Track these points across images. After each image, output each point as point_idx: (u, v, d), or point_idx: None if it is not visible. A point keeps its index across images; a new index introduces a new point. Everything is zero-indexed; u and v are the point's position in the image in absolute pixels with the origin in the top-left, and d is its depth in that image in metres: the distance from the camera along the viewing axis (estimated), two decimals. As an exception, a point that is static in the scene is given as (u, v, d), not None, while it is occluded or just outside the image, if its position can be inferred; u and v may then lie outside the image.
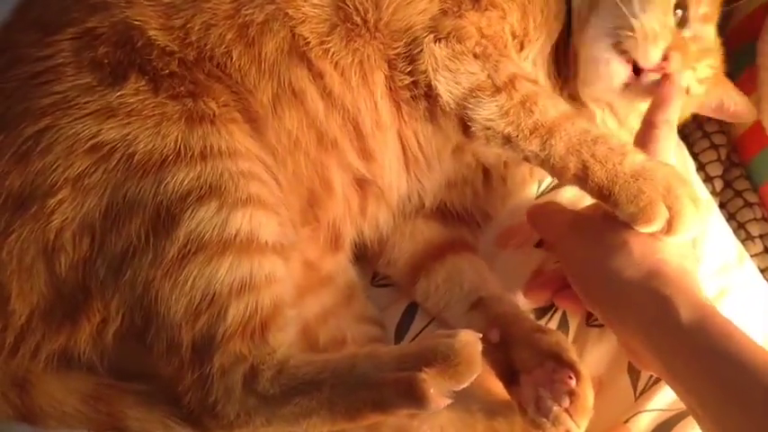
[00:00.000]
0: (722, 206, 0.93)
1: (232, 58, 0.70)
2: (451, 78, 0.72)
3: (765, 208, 0.94)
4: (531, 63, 0.80)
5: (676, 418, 0.73)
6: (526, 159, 0.72)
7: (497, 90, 0.71)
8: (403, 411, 0.64)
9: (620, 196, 0.67)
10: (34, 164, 0.66)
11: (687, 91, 0.78)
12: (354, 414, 0.64)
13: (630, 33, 0.72)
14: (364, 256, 0.84)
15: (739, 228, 0.91)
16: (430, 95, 0.73)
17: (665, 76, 0.73)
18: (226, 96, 0.70)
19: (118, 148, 0.66)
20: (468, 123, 0.72)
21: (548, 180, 0.87)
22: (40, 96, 0.68)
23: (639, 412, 0.74)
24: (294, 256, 0.74)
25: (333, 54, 0.72)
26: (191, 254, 0.65)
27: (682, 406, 0.70)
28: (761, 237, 0.91)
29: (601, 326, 0.78)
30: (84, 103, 0.67)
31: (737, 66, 0.95)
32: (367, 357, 0.66)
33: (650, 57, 0.73)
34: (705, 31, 0.77)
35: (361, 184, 0.77)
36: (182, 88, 0.69)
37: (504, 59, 0.73)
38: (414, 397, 0.61)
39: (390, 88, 0.74)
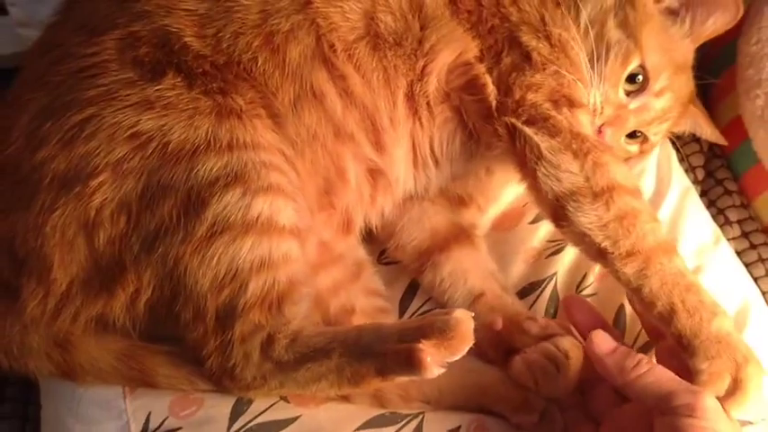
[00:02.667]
0: (704, 194, 0.99)
1: (257, 63, 0.76)
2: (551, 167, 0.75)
3: (744, 195, 1.00)
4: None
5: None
6: (615, 277, 0.72)
7: (596, 196, 0.72)
8: (402, 378, 0.70)
9: (698, 351, 0.68)
10: (78, 148, 0.72)
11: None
12: (359, 380, 0.70)
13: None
14: (372, 236, 0.90)
15: (719, 213, 0.98)
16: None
17: None
18: (252, 94, 0.76)
19: (154, 137, 0.71)
20: (566, 218, 0.74)
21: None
22: (85, 88, 0.73)
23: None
24: (310, 238, 0.80)
25: (357, 59, 0.77)
26: (217, 233, 0.70)
27: None
28: (738, 222, 0.98)
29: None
30: (126, 95, 0.72)
31: (721, 64, 1.01)
32: (372, 330, 0.72)
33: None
34: (658, 103, 0.84)
35: (374, 174, 0.83)
36: (213, 85, 0.74)
37: (604, 159, 0.74)
38: (412, 365, 0.67)
39: (411, 95, 0.79)
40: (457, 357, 0.68)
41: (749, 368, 0.68)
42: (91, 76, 0.74)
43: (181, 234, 0.71)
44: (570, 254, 0.87)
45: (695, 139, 1.01)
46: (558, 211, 0.74)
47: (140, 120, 0.72)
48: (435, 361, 0.67)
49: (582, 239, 0.73)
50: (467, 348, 0.68)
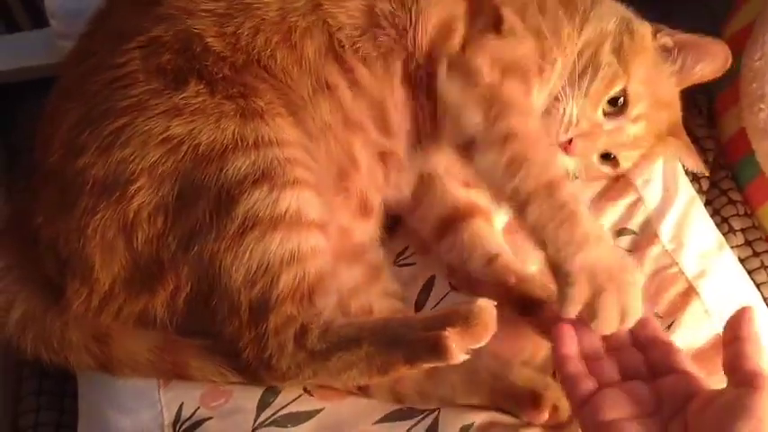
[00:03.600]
0: (709, 203, 1.02)
1: (276, 60, 0.79)
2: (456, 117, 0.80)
3: (748, 205, 1.03)
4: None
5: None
6: None
7: (490, 145, 0.77)
8: (429, 364, 0.73)
9: (561, 280, 0.71)
10: (115, 155, 0.75)
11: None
12: (388, 367, 0.74)
13: (555, 112, 0.85)
14: (390, 238, 0.94)
15: (723, 222, 1.01)
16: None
17: None
18: (270, 95, 0.79)
19: (185, 140, 0.75)
20: (465, 160, 0.80)
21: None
22: (118, 99, 0.77)
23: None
24: (330, 224, 0.83)
25: (362, 52, 0.81)
26: (248, 229, 0.73)
27: None
28: (742, 230, 1.01)
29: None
30: (155, 104, 0.76)
31: (725, 78, 1.03)
32: (399, 320, 0.77)
33: (558, 136, 0.86)
34: (631, 129, 0.88)
35: (384, 156, 0.86)
36: (233, 90, 0.77)
37: (509, 109, 0.78)
38: (439, 352, 0.70)
39: (408, 77, 0.83)
40: (481, 344, 0.71)
41: (603, 297, 0.69)
42: (122, 87, 0.77)
43: (214, 232, 0.74)
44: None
45: (701, 150, 1.04)
46: (461, 154, 0.80)
47: (170, 125, 0.75)
48: (460, 347, 0.70)
49: (477, 177, 0.81)
50: (490, 335, 0.71)
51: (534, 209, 0.73)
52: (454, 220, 0.91)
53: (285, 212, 0.74)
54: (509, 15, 0.83)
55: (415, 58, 0.83)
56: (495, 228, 0.93)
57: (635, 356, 0.73)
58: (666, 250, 0.91)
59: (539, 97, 0.86)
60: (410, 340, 0.73)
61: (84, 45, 0.87)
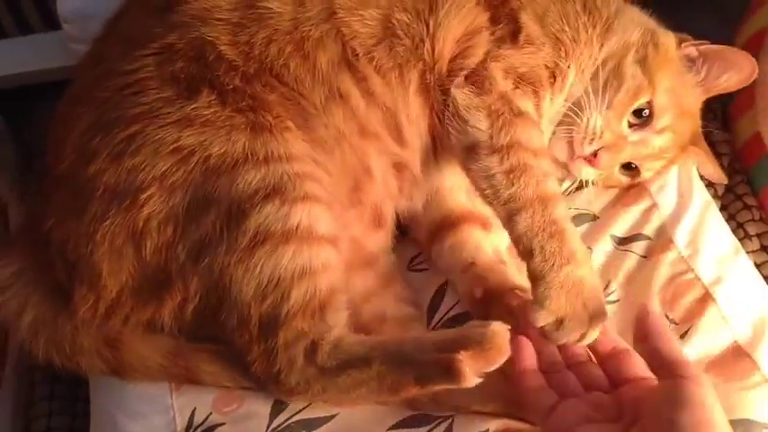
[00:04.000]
0: (724, 208, 1.02)
1: (289, 69, 0.79)
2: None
3: (763, 210, 1.02)
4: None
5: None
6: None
7: (494, 151, 0.77)
8: (440, 387, 0.73)
9: (539, 291, 0.72)
10: (126, 163, 0.75)
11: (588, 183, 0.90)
12: (398, 387, 0.74)
13: (579, 123, 0.84)
14: (404, 243, 0.93)
15: (738, 227, 1.00)
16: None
17: None
18: (278, 108, 0.79)
19: (196, 151, 0.75)
20: (466, 162, 0.80)
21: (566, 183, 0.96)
22: (130, 106, 0.77)
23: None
24: (342, 236, 0.83)
25: (377, 61, 0.81)
26: (259, 243, 0.73)
27: None
28: (758, 235, 1.01)
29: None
30: (167, 113, 0.76)
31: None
32: (412, 341, 0.76)
33: (583, 149, 0.85)
34: (657, 141, 0.88)
35: (399, 167, 0.86)
36: (243, 103, 0.77)
37: (517, 120, 0.79)
38: (451, 375, 0.70)
39: (425, 88, 0.83)
40: (494, 368, 0.71)
41: (573, 317, 0.71)
42: (134, 94, 0.77)
43: (225, 245, 0.74)
44: (594, 263, 0.90)
45: (716, 154, 1.03)
46: (462, 156, 0.80)
47: (181, 135, 0.75)
48: (473, 371, 0.70)
49: (474, 185, 0.80)
50: (503, 360, 0.71)
51: (526, 218, 0.74)
52: (443, 227, 0.91)
53: (296, 227, 0.75)
54: (527, 21, 0.83)
55: (432, 70, 0.83)
56: (488, 235, 0.92)
57: (594, 370, 0.74)
58: (682, 256, 0.91)
59: (551, 107, 0.86)
60: (422, 362, 0.73)
61: (98, 50, 0.87)
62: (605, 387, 0.72)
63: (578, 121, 0.85)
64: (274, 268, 0.74)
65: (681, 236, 0.92)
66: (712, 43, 0.90)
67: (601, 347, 0.74)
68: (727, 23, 1.16)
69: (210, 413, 0.80)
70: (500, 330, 0.72)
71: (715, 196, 1.01)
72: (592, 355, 0.75)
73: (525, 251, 0.74)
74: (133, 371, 0.81)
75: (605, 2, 0.88)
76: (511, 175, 0.76)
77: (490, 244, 0.91)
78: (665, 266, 0.90)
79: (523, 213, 0.74)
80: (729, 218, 1.01)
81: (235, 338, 0.76)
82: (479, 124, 0.79)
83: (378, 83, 0.82)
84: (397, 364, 0.74)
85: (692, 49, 0.89)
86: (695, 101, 0.91)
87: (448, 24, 0.81)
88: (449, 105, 0.81)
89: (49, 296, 0.83)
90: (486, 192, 0.78)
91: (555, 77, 0.85)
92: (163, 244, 0.76)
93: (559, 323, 0.71)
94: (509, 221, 0.75)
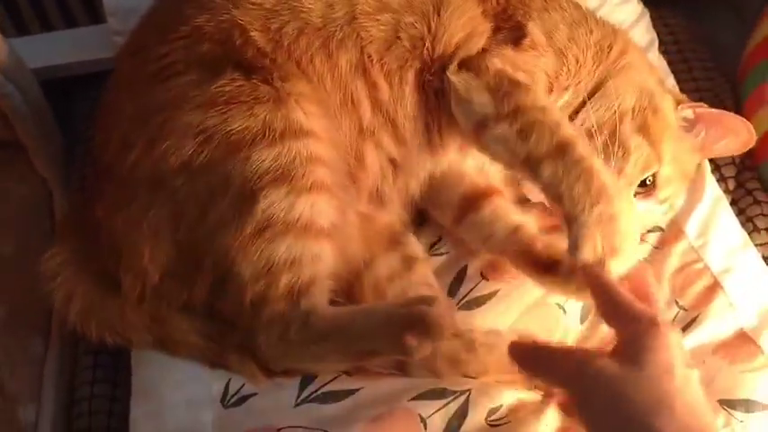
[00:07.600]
0: (734, 203, 1.04)
1: (315, 66, 0.81)
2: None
3: (773, 205, 1.05)
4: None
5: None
6: None
7: (501, 119, 0.79)
8: (393, 357, 0.79)
9: (574, 231, 0.73)
10: (158, 149, 0.78)
11: None
12: (356, 357, 0.79)
13: None
14: (424, 228, 0.97)
15: (748, 221, 1.03)
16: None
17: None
18: (308, 88, 0.80)
19: (219, 130, 0.76)
20: (479, 140, 0.82)
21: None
22: (161, 92, 0.79)
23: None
24: (349, 211, 0.86)
25: (386, 67, 0.83)
26: (261, 230, 0.76)
27: None
28: (766, 230, 1.02)
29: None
30: (193, 96, 0.77)
31: (751, 82, 1.08)
32: (364, 315, 0.79)
33: None
34: (659, 209, 0.89)
35: (394, 162, 0.89)
36: (273, 74, 0.78)
37: (516, 88, 0.80)
38: (401, 349, 0.74)
39: (419, 83, 0.84)
40: (438, 342, 0.75)
41: (610, 261, 0.72)
42: (165, 79, 0.79)
43: (233, 227, 0.77)
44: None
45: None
46: (475, 136, 0.82)
47: (206, 117, 0.76)
48: (421, 345, 0.73)
49: (493, 157, 0.83)
50: (447, 335, 0.75)
51: (548, 167, 0.75)
52: (476, 198, 0.93)
53: (298, 219, 0.77)
54: (534, 30, 0.85)
55: (430, 68, 0.85)
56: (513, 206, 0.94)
57: None
58: (693, 246, 0.94)
59: None
60: (373, 336, 0.77)
61: (136, 38, 0.90)
62: None
63: None
64: (270, 256, 0.77)
65: (692, 227, 0.96)
66: (727, 45, 0.93)
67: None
68: (743, 24, 1.18)
69: (244, 384, 0.84)
70: (441, 312, 0.74)
71: (726, 191, 1.04)
72: None
73: (555, 198, 0.75)
74: (177, 345, 0.85)
75: (615, 51, 0.87)
76: (523, 134, 0.77)
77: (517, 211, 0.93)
78: (675, 256, 0.93)
79: (544, 164, 0.75)
80: (739, 212, 1.03)
81: (231, 311, 0.81)
82: (482, 99, 0.80)
83: (385, 90, 0.84)
84: (350, 339, 0.78)
85: (688, 111, 0.88)
86: (694, 164, 0.92)
87: (452, 26, 0.84)
88: (451, 98, 0.83)
89: (96, 282, 0.86)
90: (505, 157, 0.80)
91: (552, 90, 0.85)
92: (192, 227, 0.79)
93: (600, 263, 0.72)
94: (534, 177, 0.76)
